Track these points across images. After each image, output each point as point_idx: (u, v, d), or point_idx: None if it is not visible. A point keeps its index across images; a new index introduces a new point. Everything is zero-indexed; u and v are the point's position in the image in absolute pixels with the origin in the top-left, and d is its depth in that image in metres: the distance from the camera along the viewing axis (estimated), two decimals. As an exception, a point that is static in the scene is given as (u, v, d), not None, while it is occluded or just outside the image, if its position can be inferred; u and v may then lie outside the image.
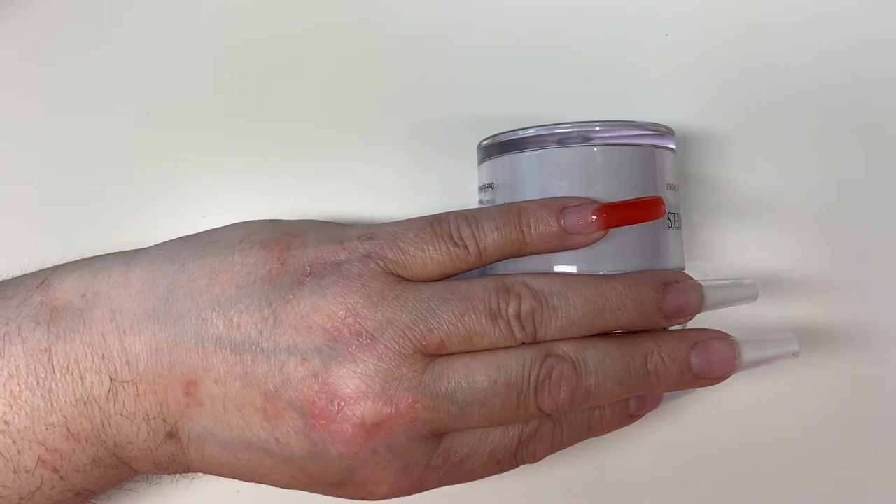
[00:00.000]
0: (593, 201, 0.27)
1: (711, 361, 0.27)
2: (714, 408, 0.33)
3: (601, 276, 0.27)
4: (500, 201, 0.29)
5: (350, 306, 0.25)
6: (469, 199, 0.32)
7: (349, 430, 0.25)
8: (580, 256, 0.28)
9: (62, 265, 0.28)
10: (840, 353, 0.33)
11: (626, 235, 0.28)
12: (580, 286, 0.27)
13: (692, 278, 0.28)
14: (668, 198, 0.29)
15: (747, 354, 0.28)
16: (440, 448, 0.26)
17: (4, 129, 0.34)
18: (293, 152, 0.34)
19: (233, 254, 0.27)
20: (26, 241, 0.31)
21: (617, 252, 0.28)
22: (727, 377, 0.27)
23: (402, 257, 0.26)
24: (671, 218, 0.29)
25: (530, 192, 0.28)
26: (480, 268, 0.28)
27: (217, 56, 0.34)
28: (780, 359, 0.28)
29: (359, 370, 0.25)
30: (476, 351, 0.26)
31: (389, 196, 0.34)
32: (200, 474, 0.28)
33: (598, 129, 0.28)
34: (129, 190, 0.34)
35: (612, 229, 0.27)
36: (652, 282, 0.27)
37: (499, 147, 0.29)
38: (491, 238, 0.27)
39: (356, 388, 0.25)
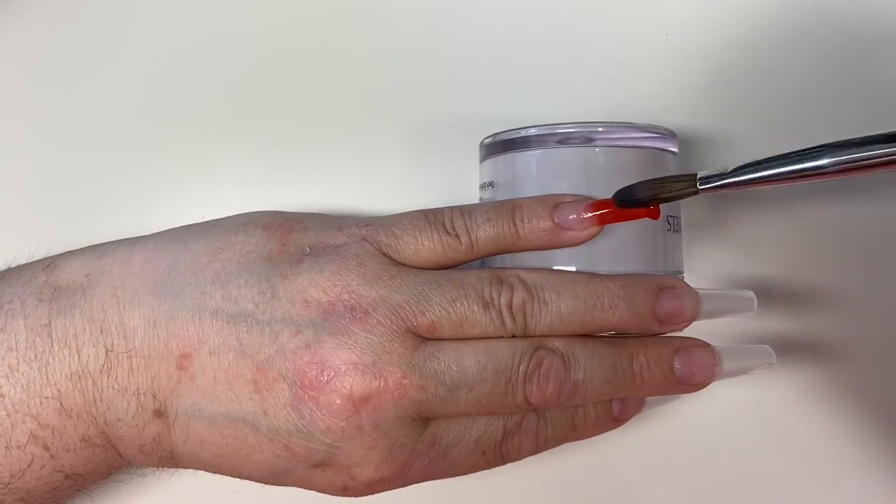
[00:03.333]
0: (588, 198, 0.27)
1: (693, 367, 0.27)
2: (710, 409, 0.34)
3: (596, 274, 0.27)
4: (499, 199, 0.29)
5: (346, 283, 0.26)
6: (471, 197, 0.32)
7: (337, 402, 0.25)
8: (579, 256, 0.28)
9: (70, 251, 0.28)
10: (838, 356, 0.33)
11: (626, 237, 0.28)
12: (573, 283, 0.27)
13: (689, 286, 0.28)
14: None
15: (727, 363, 0.28)
16: (426, 433, 0.26)
17: (4, 129, 0.34)
18: (294, 153, 0.34)
19: (236, 234, 0.28)
20: (26, 241, 0.31)
21: (616, 253, 0.28)
22: (707, 384, 0.28)
23: (396, 242, 0.27)
24: (671, 221, 0.29)
25: (530, 192, 0.28)
26: (473, 260, 0.28)
27: (217, 56, 0.34)
28: (757, 369, 0.29)
29: (350, 342, 0.25)
30: (467, 338, 0.26)
31: (391, 195, 0.34)
32: (181, 470, 0.28)
33: (600, 129, 0.28)
34: (129, 191, 0.34)
35: (606, 226, 0.27)
36: (646, 285, 0.27)
37: (500, 145, 0.29)
38: (483, 230, 0.27)
39: (347, 359, 0.25)
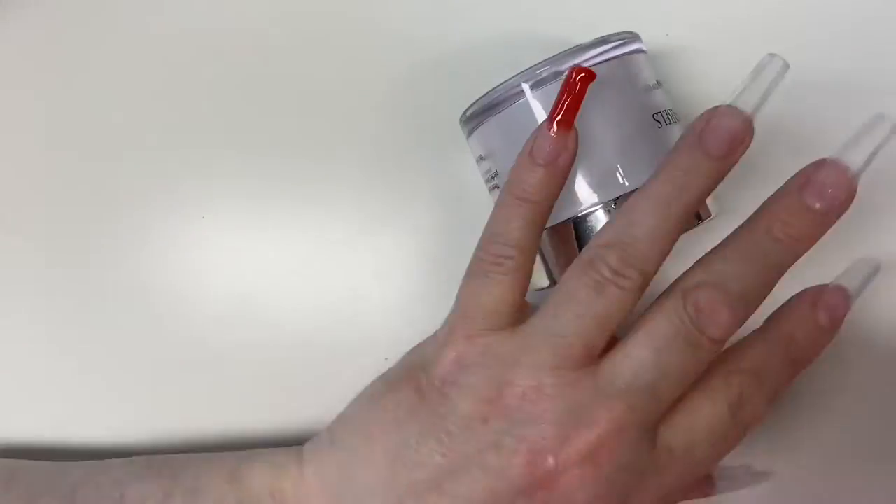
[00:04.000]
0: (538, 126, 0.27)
1: (821, 186, 0.25)
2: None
3: (647, 189, 0.26)
4: (501, 165, 0.29)
5: (493, 380, 0.25)
6: (468, 181, 0.32)
7: (577, 473, 0.24)
8: (596, 188, 0.28)
9: (245, 456, 0.29)
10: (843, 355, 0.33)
11: (630, 152, 0.28)
12: (632, 206, 0.26)
13: (721, 108, 0.26)
14: (653, 97, 0.29)
15: (852, 156, 0.25)
16: (659, 447, 0.25)
17: (4, 129, 0.34)
18: (293, 152, 0.34)
19: (376, 410, 0.27)
20: (26, 241, 0.32)
21: (628, 168, 0.28)
22: (849, 198, 0.25)
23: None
24: (662, 116, 0.29)
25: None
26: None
27: (217, 56, 0.34)
28: (882, 144, 0.26)
29: (546, 419, 0.24)
30: (619, 340, 0.26)
31: (392, 195, 0.34)
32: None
33: (568, 59, 0.28)
34: (129, 191, 0.34)
35: (572, 129, 0.26)
36: (685, 145, 0.26)
37: (481, 113, 0.29)
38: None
39: (555, 434, 0.24)
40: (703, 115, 0.26)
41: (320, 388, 0.33)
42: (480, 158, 0.30)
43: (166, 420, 0.33)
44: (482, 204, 0.32)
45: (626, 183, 0.28)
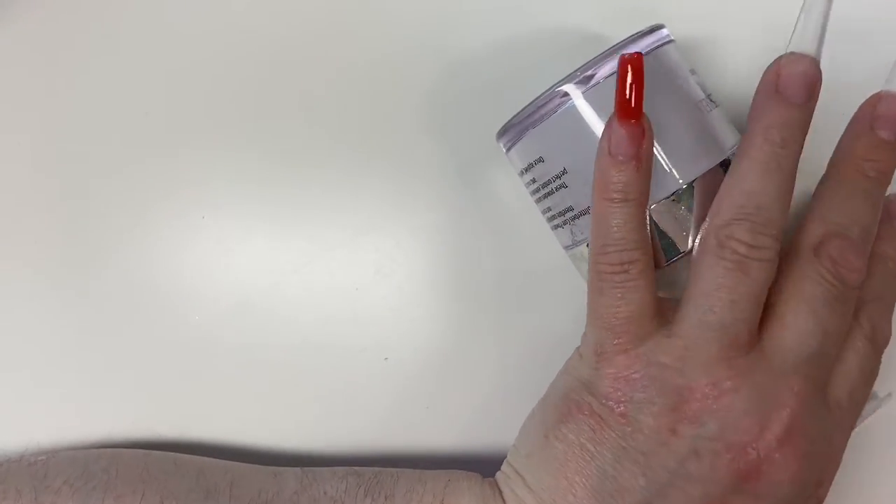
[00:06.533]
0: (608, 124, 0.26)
1: (888, 118, 0.26)
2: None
3: (749, 155, 0.26)
4: (559, 168, 0.28)
5: (667, 389, 0.25)
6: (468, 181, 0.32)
7: (778, 457, 0.24)
8: (653, 188, 0.27)
9: (441, 479, 0.29)
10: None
11: (682, 144, 0.27)
12: (741, 176, 0.26)
13: (785, 57, 0.26)
14: (692, 85, 0.28)
15: None
16: (831, 405, 0.26)
17: (3, 130, 0.34)
18: (293, 152, 0.33)
19: (558, 443, 0.27)
20: (26, 241, 0.32)
21: (680, 166, 0.27)
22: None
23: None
24: (704, 104, 0.28)
25: (585, 143, 0.27)
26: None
27: (217, 56, 0.34)
28: None
29: (734, 413, 0.24)
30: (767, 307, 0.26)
31: (391, 195, 0.33)
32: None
33: (605, 59, 0.27)
34: (129, 190, 0.33)
35: (643, 115, 0.25)
36: (767, 103, 0.26)
37: (520, 123, 0.28)
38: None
39: (748, 425, 0.24)
40: (770, 68, 0.26)
41: (320, 387, 0.33)
42: (527, 169, 0.29)
43: (166, 419, 0.33)
44: (483, 204, 0.33)
45: (682, 180, 0.27)
